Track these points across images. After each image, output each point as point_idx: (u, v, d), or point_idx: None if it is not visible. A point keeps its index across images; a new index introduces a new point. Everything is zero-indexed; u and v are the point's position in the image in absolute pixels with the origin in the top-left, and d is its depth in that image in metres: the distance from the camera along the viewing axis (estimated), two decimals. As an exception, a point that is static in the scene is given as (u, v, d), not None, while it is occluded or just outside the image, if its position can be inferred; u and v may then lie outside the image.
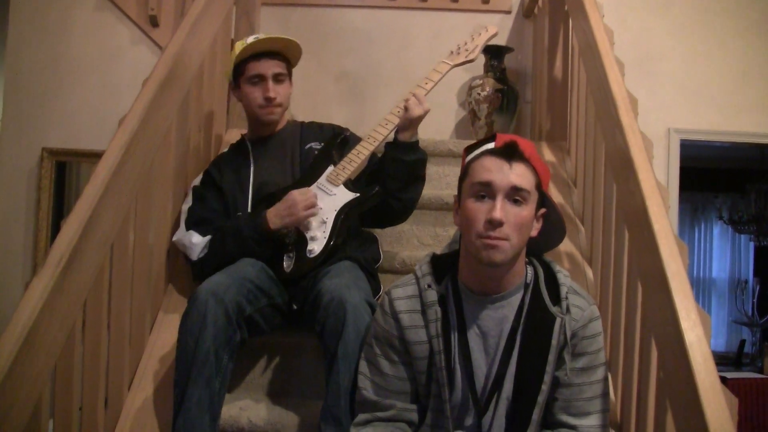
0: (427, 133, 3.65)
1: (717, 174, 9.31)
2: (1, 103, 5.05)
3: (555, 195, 3.70)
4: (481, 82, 4.68)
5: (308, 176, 3.01)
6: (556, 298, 2.18)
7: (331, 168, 2.99)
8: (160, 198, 3.04)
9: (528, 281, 2.22)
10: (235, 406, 2.75)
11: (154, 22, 4.81)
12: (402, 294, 2.28)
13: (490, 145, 2.22)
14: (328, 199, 2.91)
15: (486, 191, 2.11)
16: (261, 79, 3.12)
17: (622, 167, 2.65)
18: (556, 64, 4.28)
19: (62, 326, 2.22)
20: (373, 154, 3.02)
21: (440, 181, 3.97)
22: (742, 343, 7.88)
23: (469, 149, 2.33)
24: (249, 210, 3.02)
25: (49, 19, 4.91)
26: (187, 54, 3.16)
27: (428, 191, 3.40)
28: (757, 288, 8.08)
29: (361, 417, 2.29)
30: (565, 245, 3.35)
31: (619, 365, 2.66)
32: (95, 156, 4.41)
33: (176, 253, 3.25)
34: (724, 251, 10.48)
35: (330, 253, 2.84)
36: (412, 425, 2.26)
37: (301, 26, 4.92)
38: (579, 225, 3.54)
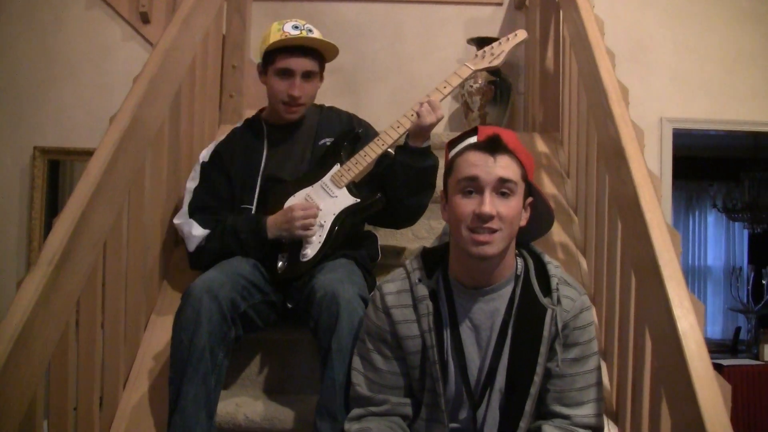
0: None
1: (711, 163, 9.31)
2: (-7, 102, 5.04)
3: (548, 186, 3.70)
4: (474, 74, 4.68)
5: (314, 173, 2.97)
6: (547, 290, 2.18)
7: (337, 167, 2.94)
8: (154, 195, 3.03)
9: (518, 273, 2.22)
10: (232, 403, 2.75)
11: (145, 18, 4.80)
12: (393, 289, 2.28)
13: (473, 139, 2.21)
14: (329, 200, 2.88)
15: (473, 186, 2.10)
16: (289, 74, 3.00)
17: (614, 157, 2.65)
18: (547, 55, 4.28)
19: (56, 325, 2.22)
20: (383, 155, 2.94)
21: (434, 174, 3.97)
22: (738, 330, 7.89)
23: (452, 144, 2.31)
24: (255, 200, 2.97)
25: (41, 16, 4.89)
26: (178, 50, 3.15)
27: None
28: (752, 275, 8.09)
29: (355, 412, 2.29)
30: (559, 235, 3.36)
31: (614, 354, 2.67)
32: (88, 154, 4.38)
33: (172, 247, 3.25)
34: (719, 239, 10.49)
35: (324, 256, 2.82)
36: (406, 419, 2.26)
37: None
38: (572, 215, 3.54)
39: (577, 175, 3.52)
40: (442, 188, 2.28)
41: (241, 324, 2.65)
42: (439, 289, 2.23)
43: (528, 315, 2.16)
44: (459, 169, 2.14)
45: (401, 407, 2.25)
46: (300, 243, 2.84)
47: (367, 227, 3.17)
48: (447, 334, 2.19)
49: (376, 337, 2.27)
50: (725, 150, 8.96)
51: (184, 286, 2.83)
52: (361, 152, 2.92)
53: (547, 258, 2.26)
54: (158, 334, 2.99)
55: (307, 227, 2.80)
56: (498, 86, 4.64)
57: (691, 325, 1.94)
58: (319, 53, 3.06)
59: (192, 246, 2.93)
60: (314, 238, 2.83)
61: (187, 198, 3.03)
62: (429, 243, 3.22)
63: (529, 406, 2.14)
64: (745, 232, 9.97)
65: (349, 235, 2.92)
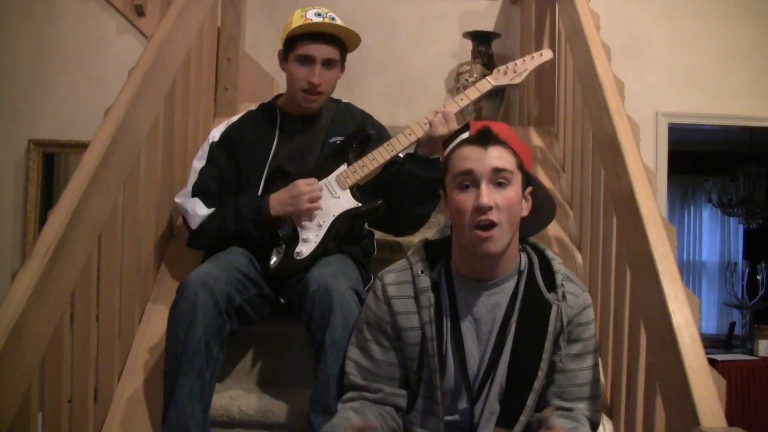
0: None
1: (706, 157, 9.31)
2: (-12, 94, 5.03)
3: (544, 180, 3.69)
4: (468, 68, 4.69)
5: (320, 170, 2.93)
6: (551, 285, 2.18)
7: (344, 167, 2.90)
8: (149, 187, 3.03)
9: (522, 268, 2.22)
10: (226, 396, 2.75)
11: (139, 11, 4.80)
12: (394, 279, 2.27)
13: (465, 135, 2.20)
14: (331, 201, 2.85)
15: (468, 180, 2.10)
16: (310, 61, 2.93)
17: (610, 151, 2.65)
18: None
19: (50, 317, 2.21)
20: (391, 161, 2.90)
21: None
22: (733, 325, 7.89)
23: (446, 143, 2.30)
24: (261, 189, 2.93)
25: (35, 9, 4.89)
26: (173, 43, 3.14)
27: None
28: (747, 270, 8.09)
29: (349, 395, 2.29)
30: (554, 230, 3.36)
31: (609, 349, 2.67)
32: (82, 147, 4.35)
33: (166, 241, 3.25)
34: (714, 234, 10.51)
35: (319, 255, 2.80)
36: (399, 410, 2.26)
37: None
38: (568, 210, 3.54)
39: (573, 169, 3.51)
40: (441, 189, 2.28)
41: (236, 317, 2.65)
42: (440, 282, 2.23)
43: (532, 310, 2.16)
44: (454, 165, 2.14)
45: (395, 398, 2.25)
46: (296, 239, 2.82)
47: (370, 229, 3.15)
48: (447, 327, 2.19)
49: (374, 326, 2.27)
50: (720, 145, 8.98)
51: (179, 278, 2.83)
52: (369, 155, 2.89)
53: (551, 254, 2.26)
54: (153, 327, 2.98)
55: (313, 200, 2.79)
56: (493, 80, 4.63)
57: (686, 319, 1.94)
58: (341, 42, 3.00)
59: (195, 224, 2.89)
60: (312, 236, 2.81)
61: (192, 178, 2.99)
62: (425, 235, 3.23)
63: (531, 401, 2.14)
64: (740, 227, 9.99)
65: (347, 235, 2.90)
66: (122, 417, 2.71)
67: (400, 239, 3.32)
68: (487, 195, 2.06)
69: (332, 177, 2.89)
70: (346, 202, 2.86)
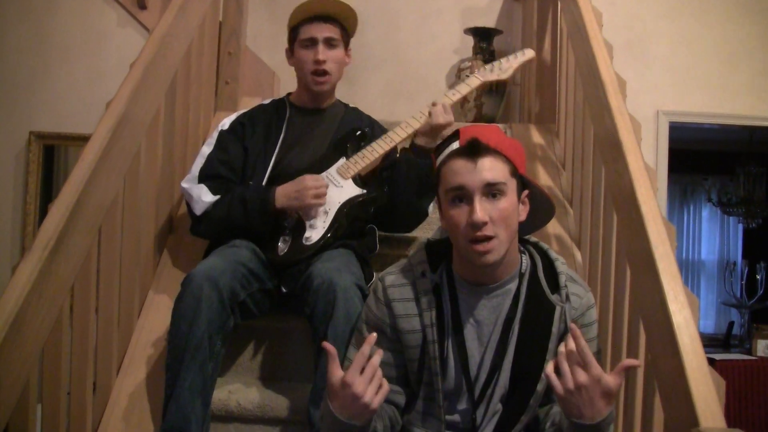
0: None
1: (706, 156, 9.31)
2: (-11, 86, 5.03)
3: (543, 177, 3.70)
4: (470, 64, 4.68)
5: (320, 164, 2.97)
6: (555, 287, 2.17)
7: (343, 160, 2.95)
8: (149, 181, 3.03)
9: (523, 270, 2.20)
10: (225, 390, 2.75)
11: (141, 4, 4.80)
12: (395, 281, 2.25)
13: (455, 145, 2.16)
14: (334, 190, 2.88)
15: (461, 194, 2.07)
16: (312, 42, 3.03)
17: (611, 149, 2.65)
18: (544, 46, 4.27)
19: (50, 310, 2.21)
20: (389, 155, 2.96)
21: (430, 164, 3.96)
22: (731, 324, 7.88)
23: (437, 150, 2.25)
24: (266, 180, 2.96)
25: (36, 1, 4.88)
26: (174, 36, 3.14)
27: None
28: (746, 270, 8.08)
29: None
30: (554, 227, 3.36)
31: (608, 347, 2.67)
32: (83, 139, 4.39)
33: (166, 234, 3.25)
34: (713, 233, 10.49)
35: (326, 243, 2.82)
36: (397, 407, 2.25)
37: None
38: (568, 207, 3.54)
39: (573, 167, 3.51)
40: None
41: (239, 312, 2.65)
42: (442, 284, 2.21)
43: (536, 312, 2.15)
44: (445, 179, 2.12)
45: (393, 395, 2.23)
46: (302, 227, 2.84)
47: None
48: (449, 330, 2.18)
49: (374, 327, 2.24)
50: (720, 144, 8.97)
51: (179, 272, 2.83)
52: (369, 147, 2.94)
53: (554, 254, 2.24)
54: (152, 321, 2.98)
55: (319, 195, 2.81)
56: (494, 77, 4.63)
57: (686, 319, 1.94)
58: (340, 23, 3.10)
59: (199, 210, 2.89)
60: (319, 223, 2.83)
61: (199, 162, 3.00)
62: (425, 233, 3.23)
63: (534, 401, 2.13)
64: (740, 227, 9.98)
65: (352, 226, 2.92)
66: (121, 410, 2.71)
67: (401, 236, 3.32)
68: (481, 210, 2.03)
69: (332, 169, 2.94)
70: (351, 189, 2.90)
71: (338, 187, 2.89)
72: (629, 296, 2.47)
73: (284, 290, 2.79)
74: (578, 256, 3.24)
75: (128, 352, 2.88)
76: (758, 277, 7.84)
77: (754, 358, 6.56)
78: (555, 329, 2.12)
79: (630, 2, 5.03)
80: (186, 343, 2.48)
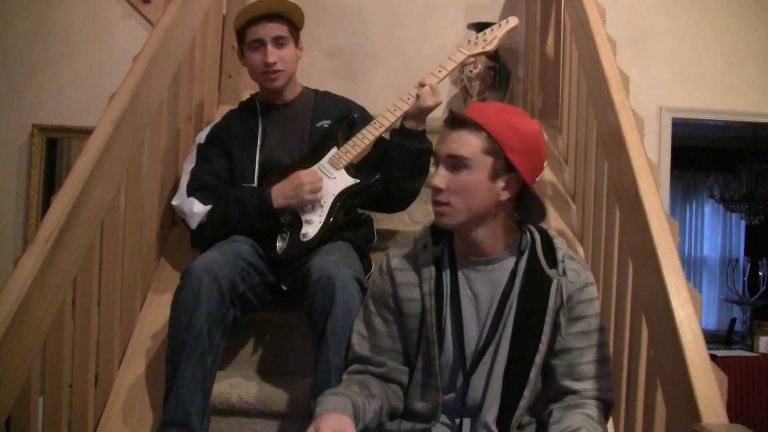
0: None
1: (709, 153, 9.30)
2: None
3: (546, 173, 3.69)
4: (473, 59, 4.66)
5: (311, 156, 2.97)
6: (552, 262, 2.18)
7: (334, 150, 2.95)
8: (152, 174, 3.03)
9: (523, 248, 2.22)
10: (226, 383, 2.75)
11: (145, -3, 4.79)
12: (399, 254, 2.32)
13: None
14: (328, 182, 2.88)
15: (436, 160, 2.20)
16: (261, 44, 3.00)
17: (614, 145, 2.64)
18: (548, 41, 4.27)
19: (52, 303, 2.22)
20: (379, 139, 2.95)
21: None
22: (733, 321, 7.88)
23: None
24: (255, 182, 2.97)
25: (39, -8, 4.88)
26: (178, 29, 3.14)
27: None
28: (748, 266, 8.08)
29: (354, 367, 2.30)
30: (557, 222, 3.36)
31: (610, 342, 2.67)
32: (86, 132, 4.39)
33: (168, 228, 3.24)
34: (716, 230, 10.49)
35: (324, 238, 2.83)
36: (402, 387, 2.27)
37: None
38: (570, 203, 3.54)
39: (576, 163, 3.51)
40: None
41: (239, 305, 2.65)
42: (443, 257, 2.26)
43: (533, 286, 2.16)
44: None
45: (398, 373, 2.26)
46: (300, 223, 2.84)
47: (364, 210, 3.17)
48: (447, 301, 2.21)
49: (378, 300, 2.30)
50: (723, 140, 8.96)
51: (181, 265, 2.83)
52: (359, 135, 2.93)
53: (553, 233, 2.26)
54: (154, 314, 2.99)
55: (315, 191, 2.82)
56: (497, 72, 4.63)
57: (688, 315, 1.94)
58: (287, 19, 3.06)
59: (194, 223, 2.91)
60: (315, 218, 2.83)
61: (185, 179, 3.01)
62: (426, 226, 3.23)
63: (533, 374, 2.13)
64: (742, 223, 9.98)
65: (348, 215, 2.93)
66: (122, 403, 2.72)
67: (399, 229, 3.32)
68: (438, 177, 2.14)
69: (324, 160, 2.94)
70: (344, 180, 2.90)
71: (332, 179, 2.89)
72: (631, 292, 2.47)
73: (285, 288, 2.80)
74: (581, 251, 3.24)
75: (130, 345, 2.89)
76: (760, 273, 7.83)
77: (756, 354, 6.56)
78: (551, 302, 2.13)
79: (634, -2, 5.02)
80: (185, 335, 2.49)
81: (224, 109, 3.53)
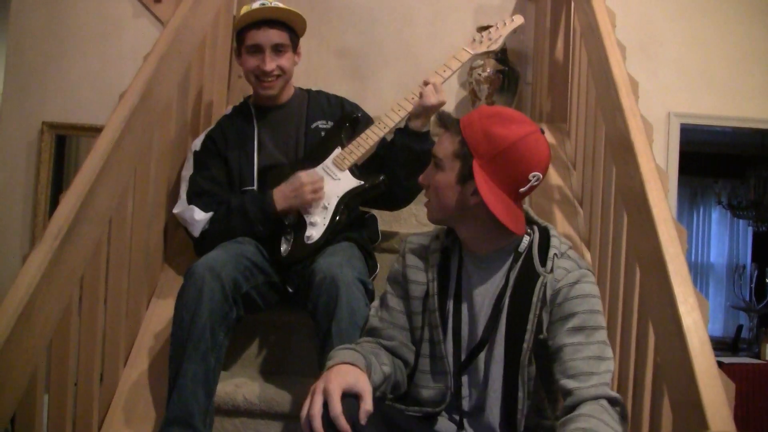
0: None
1: (717, 159, 9.29)
2: (3, 75, 5.03)
3: (554, 177, 3.69)
4: (482, 62, 4.67)
5: (315, 156, 2.97)
6: (545, 261, 2.18)
7: (338, 150, 2.94)
8: (159, 173, 3.03)
9: (521, 249, 2.21)
10: (231, 383, 2.76)
11: (156, -4, 4.79)
12: (415, 240, 2.38)
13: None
14: (332, 183, 2.88)
15: None
16: (258, 49, 2.99)
17: (622, 150, 2.64)
18: (557, 45, 4.27)
19: (59, 300, 2.22)
20: (383, 138, 2.96)
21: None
22: (740, 328, 7.88)
23: None
24: (254, 185, 2.97)
25: (51, -9, 4.88)
26: (189, 29, 3.14)
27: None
28: (755, 273, 8.07)
29: (366, 338, 2.32)
30: (564, 227, 3.36)
31: (617, 349, 2.66)
32: (95, 130, 4.40)
33: (175, 227, 3.25)
34: (723, 236, 10.46)
35: (328, 240, 2.83)
36: (407, 366, 2.28)
37: (302, 2, 4.90)
38: (578, 207, 3.53)
39: (584, 167, 3.50)
40: None
41: (243, 305, 2.66)
42: (454, 250, 2.29)
43: (524, 284, 2.16)
44: None
45: (405, 350, 2.27)
46: (304, 226, 2.84)
47: (366, 209, 3.17)
48: (451, 291, 2.24)
49: (392, 279, 2.37)
50: (731, 147, 8.95)
51: (186, 265, 2.83)
52: (363, 135, 2.92)
53: (555, 232, 2.25)
54: (159, 313, 2.99)
55: (316, 190, 2.83)
56: (506, 75, 4.63)
57: (696, 321, 1.94)
58: (288, 26, 3.04)
59: (197, 231, 2.91)
60: (319, 220, 2.83)
61: (184, 187, 3.01)
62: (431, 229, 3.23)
63: (524, 376, 2.11)
64: (750, 230, 9.96)
65: (351, 215, 2.93)
66: (127, 400, 2.72)
67: (407, 232, 3.32)
68: (423, 174, 2.27)
69: (328, 161, 2.93)
70: (348, 182, 2.90)
71: (335, 180, 2.89)
72: (638, 298, 2.46)
73: (290, 290, 2.80)
74: (588, 256, 3.24)
75: (136, 343, 2.89)
76: (767, 280, 7.82)
77: (762, 362, 6.55)
78: (534, 298, 2.12)
79: (643, 3, 5.00)
80: (188, 334, 2.50)
81: (229, 110, 3.53)
